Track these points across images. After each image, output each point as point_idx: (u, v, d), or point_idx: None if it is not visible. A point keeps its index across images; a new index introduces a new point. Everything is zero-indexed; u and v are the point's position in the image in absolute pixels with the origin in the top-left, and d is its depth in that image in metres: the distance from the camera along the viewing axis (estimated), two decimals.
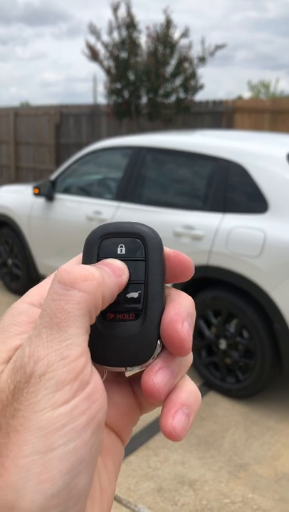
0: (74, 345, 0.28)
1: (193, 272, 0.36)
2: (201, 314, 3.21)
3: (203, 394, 3.20)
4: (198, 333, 3.24)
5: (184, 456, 2.60)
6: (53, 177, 4.43)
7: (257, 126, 8.45)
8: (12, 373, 0.28)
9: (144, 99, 9.00)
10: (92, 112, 10.58)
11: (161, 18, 8.75)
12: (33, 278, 4.73)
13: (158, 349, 0.33)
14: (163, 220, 3.37)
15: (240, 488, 2.36)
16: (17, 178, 12.01)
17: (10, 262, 4.96)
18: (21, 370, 0.27)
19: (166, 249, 0.35)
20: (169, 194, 4.02)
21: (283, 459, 2.58)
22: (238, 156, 3.13)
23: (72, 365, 0.27)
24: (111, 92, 9.00)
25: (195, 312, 0.35)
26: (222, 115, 8.95)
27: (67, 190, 4.36)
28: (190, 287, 3.27)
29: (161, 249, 0.34)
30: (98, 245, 0.34)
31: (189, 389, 0.34)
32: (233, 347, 3.09)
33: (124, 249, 0.34)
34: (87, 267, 0.30)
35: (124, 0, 8.58)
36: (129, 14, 8.60)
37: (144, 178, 3.81)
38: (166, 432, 0.31)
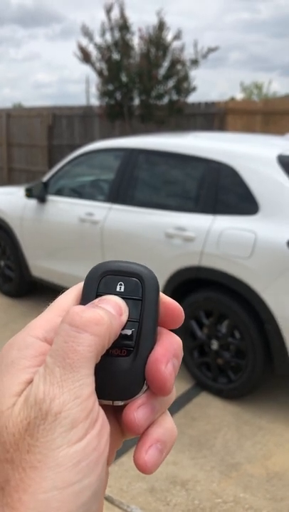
0: (85, 385, 0.29)
1: (182, 323, 0.37)
2: (193, 315, 3.22)
3: (195, 394, 3.21)
4: (190, 333, 3.26)
5: (176, 456, 2.61)
6: (45, 179, 4.43)
7: (249, 128, 8.49)
8: (25, 408, 0.29)
9: (136, 101, 9.01)
10: (84, 113, 10.58)
11: (154, 20, 8.74)
12: (26, 280, 4.72)
13: (145, 387, 0.34)
14: (155, 222, 3.38)
15: (232, 488, 2.38)
16: (10, 180, 11.99)
17: (2, 263, 4.96)
18: (36, 406, 0.28)
19: (163, 295, 0.37)
20: (160, 196, 4.04)
21: (275, 458, 2.60)
22: (229, 157, 3.15)
23: (85, 404, 0.29)
24: (103, 93, 9.00)
25: (182, 353, 0.36)
26: (214, 117, 8.98)
27: (59, 192, 4.36)
28: (182, 288, 3.29)
29: (158, 290, 0.36)
30: (99, 281, 0.36)
31: (167, 425, 0.35)
32: (224, 347, 3.11)
33: (123, 287, 0.35)
34: (97, 310, 0.32)
35: (117, 1, 8.59)
36: (123, 16, 8.61)
37: (137, 180, 3.82)
38: (138, 465, 0.33)
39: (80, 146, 5.37)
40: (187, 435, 2.79)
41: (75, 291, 0.36)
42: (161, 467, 2.51)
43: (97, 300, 0.34)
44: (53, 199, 4.28)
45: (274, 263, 2.79)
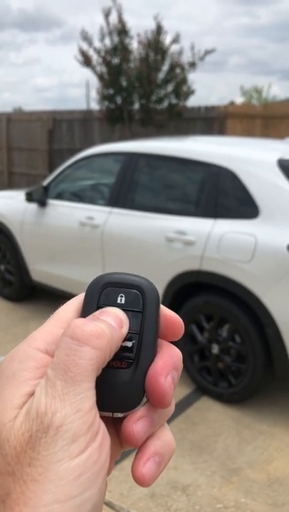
0: (87, 398, 0.30)
1: (181, 336, 0.37)
2: (193, 319, 3.22)
3: (195, 399, 3.21)
4: (190, 337, 3.25)
5: (177, 461, 2.60)
6: (45, 183, 4.44)
7: (249, 132, 8.51)
8: (27, 421, 0.29)
9: (136, 105, 9.03)
10: (84, 117, 10.60)
11: (152, 25, 8.78)
12: (26, 284, 4.72)
13: (144, 399, 0.34)
14: (155, 226, 3.38)
15: (233, 493, 2.37)
16: (10, 184, 12.00)
17: (2, 267, 4.96)
18: (38, 419, 0.28)
19: (163, 308, 0.37)
20: (161, 200, 4.04)
21: (276, 463, 2.59)
22: (229, 161, 3.15)
23: (86, 417, 0.29)
24: (103, 97, 9.03)
25: (182, 365, 0.36)
26: (214, 121, 9.00)
27: (59, 196, 4.36)
28: (182, 292, 3.29)
29: (158, 303, 0.36)
30: (100, 293, 0.36)
31: (165, 438, 0.35)
32: (225, 351, 3.10)
33: (123, 299, 0.36)
34: (98, 323, 0.32)
35: (115, 6, 8.62)
36: (121, 20, 8.65)
37: (137, 184, 3.83)
38: (135, 477, 0.33)
39: (80, 150, 5.38)
40: (188, 440, 2.78)
41: (75, 302, 0.37)
42: (162, 472, 2.50)
43: (98, 312, 0.34)
44: (53, 203, 4.29)
45: (274, 267, 2.79)
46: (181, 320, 0.37)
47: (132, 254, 3.52)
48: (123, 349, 0.34)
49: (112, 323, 0.33)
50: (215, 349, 3.13)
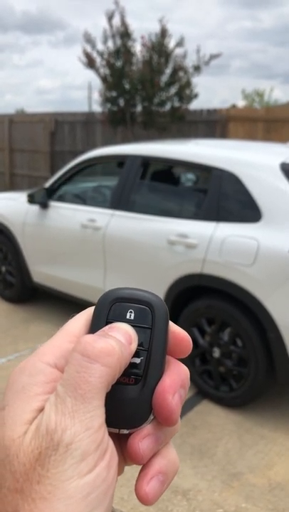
0: (96, 416, 0.29)
1: (189, 352, 0.37)
2: (194, 323, 3.21)
3: (196, 403, 3.19)
4: (191, 341, 3.23)
5: None
6: (47, 184, 4.44)
7: (251, 135, 8.51)
8: (36, 437, 0.29)
9: (139, 108, 9.04)
10: (87, 119, 10.61)
11: (156, 28, 8.80)
12: (27, 285, 4.71)
13: (151, 416, 0.34)
14: (157, 229, 3.38)
15: (234, 498, 2.36)
16: (12, 185, 12.01)
17: (4, 269, 4.95)
18: (48, 436, 0.28)
19: (172, 324, 0.37)
20: (163, 202, 4.04)
21: (277, 468, 2.58)
22: (231, 165, 3.15)
23: (95, 435, 0.29)
24: (106, 100, 9.04)
25: (189, 382, 0.36)
26: (216, 124, 9.01)
27: (61, 198, 4.36)
28: (184, 295, 3.28)
29: (167, 320, 0.36)
30: (109, 308, 0.36)
31: (170, 457, 0.35)
32: (226, 355, 3.09)
33: (133, 314, 0.36)
34: (109, 340, 0.32)
35: (118, 9, 8.64)
36: (124, 23, 8.66)
37: (139, 187, 3.82)
38: (138, 495, 0.33)
39: (82, 152, 5.38)
40: (188, 444, 2.77)
41: (84, 316, 0.36)
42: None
43: (107, 327, 0.34)
44: (55, 205, 4.28)
45: (277, 271, 2.78)
46: (189, 337, 0.37)
47: (134, 256, 3.51)
48: (131, 365, 0.34)
49: (121, 339, 0.33)
50: (216, 353, 3.12)
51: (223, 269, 2.98)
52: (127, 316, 0.35)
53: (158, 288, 3.33)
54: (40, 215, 4.35)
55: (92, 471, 0.28)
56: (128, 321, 0.35)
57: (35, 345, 3.91)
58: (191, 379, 3.28)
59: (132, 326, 0.35)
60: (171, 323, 0.37)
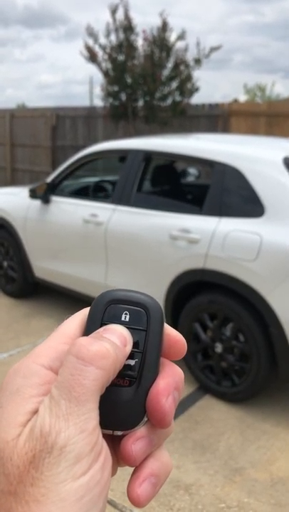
0: (90, 418, 0.30)
1: (184, 355, 0.37)
2: (197, 318, 3.20)
3: (198, 398, 3.20)
4: (194, 336, 3.24)
5: (180, 460, 2.59)
6: (49, 179, 4.42)
7: (253, 130, 8.48)
8: (30, 440, 0.29)
9: (140, 102, 9.01)
10: (88, 114, 10.58)
11: (157, 22, 8.74)
12: (29, 281, 4.71)
13: (145, 418, 0.34)
14: (159, 224, 3.37)
15: (236, 493, 2.36)
16: (13, 180, 11.99)
17: (5, 264, 4.95)
18: (42, 439, 0.28)
19: (167, 326, 0.37)
20: (165, 197, 4.03)
21: (279, 463, 2.58)
22: (234, 159, 3.13)
23: (89, 438, 0.29)
24: (108, 94, 9.00)
25: (183, 385, 0.36)
26: (218, 118, 8.97)
27: (63, 193, 4.35)
28: (186, 291, 3.27)
29: (163, 322, 0.36)
30: (104, 310, 0.36)
31: (162, 459, 0.35)
32: (228, 350, 3.09)
33: (128, 316, 0.36)
34: (104, 343, 0.32)
35: (122, 3, 8.59)
36: (127, 17, 8.62)
37: (141, 181, 3.81)
38: (130, 498, 0.33)
39: (83, 147, 5.36)
40: (190, 439, 2.77)
41: (79, 317, 0.36)
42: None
43: (102, 329, 0.34)
44: (56, 200, 4.27)
45: (279, 266, 2.77)
46: (184, 340, 0.37)
47: (136, 252, 3.50)
48: (126, 367, 0.34)
49: (116, 341, 0.33)
50: (218, 348, 3.12)
51: (225, 265, 2.98)
52: (122, 318, 0.36)
53: (160, 283, 3.32)
54: (42, 210, 4.34)
55: (86, 473, 0.28)
56: (123, 323, 0.35)
57: (36, 340, 3.91)
58: (194, 374, 3.28)
59: (126, 328, 0.35)
60: (166, 325, 0.37)
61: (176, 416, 2.96)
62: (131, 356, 0.34)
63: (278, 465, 2.56)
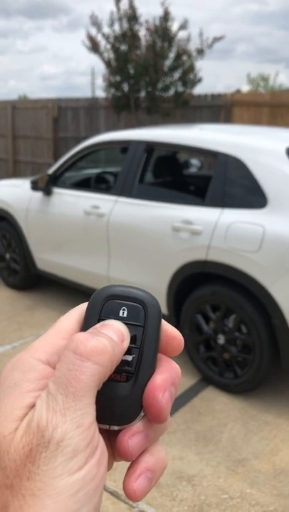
0: (87, 414, 0.30)
1: (181, 351, 0.38)
2: (199, 309, 3.20)
3: (201, 389, 3.20)
4: (196, 328, 3.24)
5: (182, 451, 2.60)
6: (50, 171, 4.41)
7: (255, 120, 8.42)
8: (27, 434, 0.29)
9: (142, 93, 8.95)
10: (90, 105, 10.52)
11: (159, 11, 8.66)
12: (31, 273, 4.71)
13: (142, 413, 0.35)
14: (161, 215, 3.35)
15: (239, 484, 2.36)
16: (15, 172, 11.97)
17: (8, 256, 4.95)
18: (39, 433, 0.29)
19: (164, 323, 0.37)
20: (167, 188, 4.01)
21: (282, 454, 2.58)
22: (236, 150, 3.10)
23: (86, 433, 0.29)
24: (110, 84, 8.94)
25: (180, 380, 0.36)
26: (220, 109, 8.90)
27: (65, 185, 4.33)
28: (188, 282, 3.26)
29: (160, 318, 0.36)
30: (102, 305, 0.36)
31: (158, 454, 0.35)
32: (231, 342, 3.08)
33: (126, 312, 0.36)
34: (101, 338, 0.32)
35: None
36: (132, 6, 8.53)
37: (143, 173, 3.78)
38: (126, 492, 0.34)
39: (85, 138, 5.34)
40: (193, 430, 2.78)
41: (77, 312, 0.37)
42: (168, 462, 2.50)
43: (99, 325, 0.35)
44: (58, 192, 4.26)
45: (282, 257, 2.75)
46: (181, 336, 0.37)
47: (138, 243, 3.49)
48: (123, 363, 0.34)
49: (113, 336, 0.33)
50: (221, 339, 3.11)
51: (228, 256, 2.96)
52: (120, 314, 0.36)
53: (162, 275, 3.31)
54: (44, 201, 4.32)
55: (83, 468, 0.28)
56: (121, 319, 0.35)
57: (39, 332, 3.91)
58: (196, 366, 3.28)
59: (124, 323, 0.35)
60: (163, 321, 0.37)
61: (178, 407, 2.96)
62: (128, 352, 0.35)
63: (281, 456, 2.57)
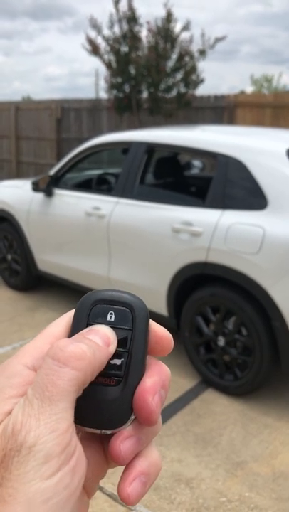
0: (63, 419, 0.29)
1: (170, 351, 0.38)
2: (199, 311, 3.19)
3: (200, 391, 3.19)
4: (196, 330, 3.22)
5: (181, 453, 2.59)
6: (52, 172, 4.41)
7: (259, 121, 8.40)
8: (2, 438, 0.29)
9: (145, 94, 8.95)
10: (93, 106, 10.53)
11: (162, 12, 8.65)
12: (32, 274, 4.71)
13: (132, 417, 0.35)
14: (162, 216, 3.34)
15: (238, 487, 2.35)
16: (18, 173, 11.99)
17: (9, 257, 4.95)
18: (12, 438, 0.28)
19: (153, 323, 0.37)
20: (167, 190, 4.00)
21: (281, 457, 2.57)
22: (237, 151, 3.09)
23: (61, 438, 0.29)
24: (112, 86, 8.94)
25: (169, 383, 0.36)
26: (224, 110, 8.89)
27: (66, 186, 4.33)
28: (188, 284, 3.25)
29: (148, 321, 0.36)
30: (90, 310, 0.36)
31: (151, 458, 0.35)
32: (231, 344, 3.07)
33: (113, 316, 0.36)
34: (80, 344, 0.32)
35: None
36: (130, 7, 8.54)
37: (143, 174, 3.78)
38: (121, 497, 0.33)
39: (87, 139, 5.34)
40: (192, 432, 2.77)
41: (66, 318, 0.37)
42: (166, 465, 2.49)
43: (86, 330, 0.35)
44: (59, 193, 4.25)
45: (282, 259, 2.74)
46: (170, 336, 0.37)
47: (138, 244, 3.48)
48: (112, 367, 0.35)
49: (99, 341, 0.33)
50: (221, 342, 3.10)
51: (228, 258, 2.95)
52: (108, 318, 0.36)
53: (162, 276, 3.30)
54: (45, 203, 4.32)
55: (55, 475, 0.28)
56: (108, 323, 0.36)
57: None
58: (196, 368, 3.27)
59: (112, 327, 0.35)
60: (151, 321, 0.37)
61: (178, 410, 2.95)
62: (117, 356, 0.35)
63: (280, 459, 2.55)
